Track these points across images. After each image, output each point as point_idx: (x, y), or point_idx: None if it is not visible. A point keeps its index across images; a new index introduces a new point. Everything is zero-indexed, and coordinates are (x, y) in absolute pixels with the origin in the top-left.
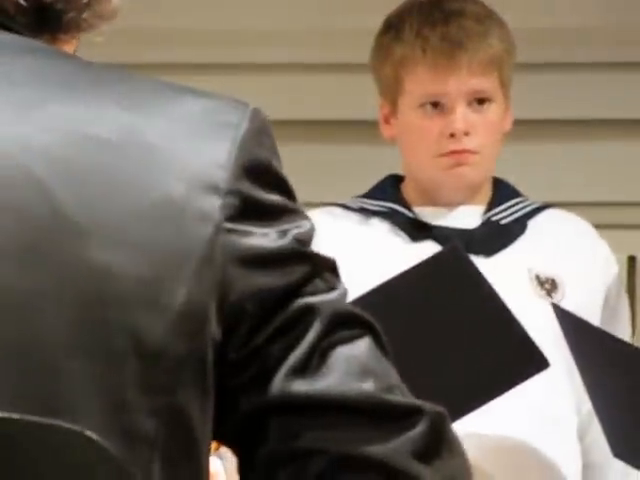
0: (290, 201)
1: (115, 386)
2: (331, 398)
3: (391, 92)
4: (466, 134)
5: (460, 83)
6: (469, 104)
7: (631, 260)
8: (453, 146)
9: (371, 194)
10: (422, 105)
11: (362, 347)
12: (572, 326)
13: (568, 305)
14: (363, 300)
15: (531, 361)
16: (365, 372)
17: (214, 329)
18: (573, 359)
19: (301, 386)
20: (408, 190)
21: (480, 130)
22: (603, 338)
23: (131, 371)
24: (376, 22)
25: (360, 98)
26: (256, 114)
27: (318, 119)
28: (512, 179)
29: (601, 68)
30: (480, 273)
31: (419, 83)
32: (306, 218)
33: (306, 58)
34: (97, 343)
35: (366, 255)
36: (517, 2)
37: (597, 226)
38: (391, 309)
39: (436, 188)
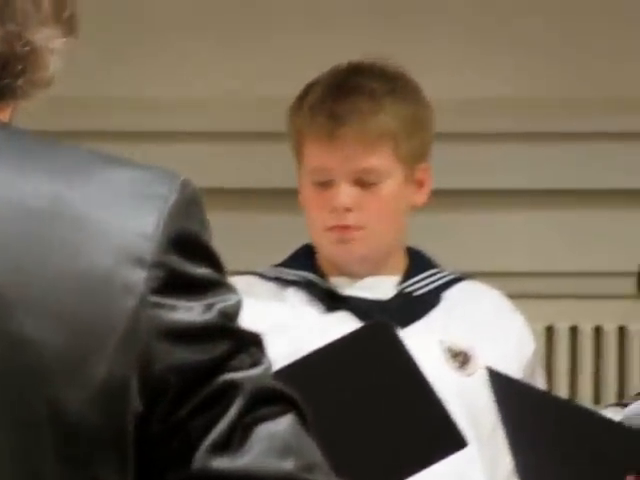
0: (218, 274)
1: (31, 456)
2: (250, 476)
3: (296, 162)
4: (348, 210)
5: (343, 160)
6: (356, 181)
7: (548, 330)
8: (335, 221)
9: (287, 263)
10: (312, 178)
11: (284, 424)
12: (505, 389)
13: (481, 377)
14: (286, 372)
15: (450, 440)
16: (286, 450)
17: (135, 402)
18: (502, 425)
19: (222, 463)
20: (322, 260)
21: (367, 206)
22: (542, 399)
23: (48, 442)
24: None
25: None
26: (186, 185)
27: (237, 187)
28: (431, 248)
29: (521, 138)
30: (407, 349)
31: (309, 157)
32: (233, 292)
33: (223, 126)
34: (15, 412)
35: (282, 326)
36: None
37: (514, 296)
38: (314, 381)
39: (334, 261)
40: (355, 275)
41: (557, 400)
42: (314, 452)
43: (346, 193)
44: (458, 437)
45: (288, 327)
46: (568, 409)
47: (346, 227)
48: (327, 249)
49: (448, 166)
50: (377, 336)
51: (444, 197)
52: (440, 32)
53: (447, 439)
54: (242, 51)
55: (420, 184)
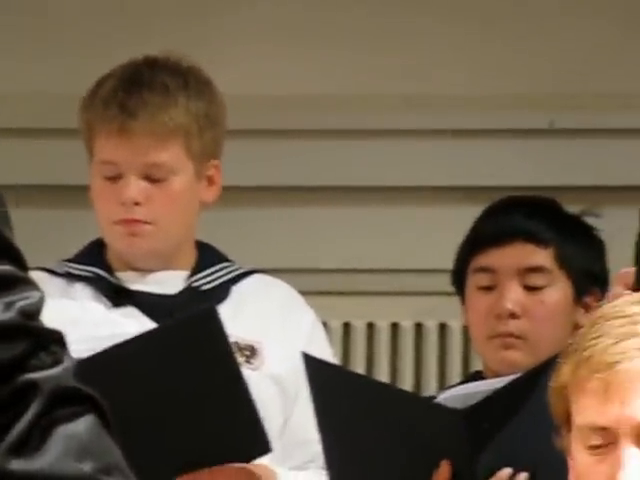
0: (18, 270)
1: None
2: (47, 478)
3: (88, 156)
4: (137, 204)
5: (133, 154)
6: (146, 175)
7: (346, 326)
8: (123, 215)
9: (76, 258)
10: (102, 171)
11: (83, 425)
12: (320, 373)
13: (267, 371)
14: (93, 361)
15: (255, 444)
16: (84, 452)
17: None
18: (315, 410)
19: (18, 465)
20: (111, 254)
21: (156, 201)
22: (358, 382)
23: None
24: None
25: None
26: None
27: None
28: (233, 243)
29: (319, 134)
30: (229, 343)
31: (99, 150)
32: (35, 288)
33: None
34: None
35: (72, 321)
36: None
37: (312, 293)
38: (123, 370)
39: (123, 255)
40: (144, 270)
41: (373, 383)
42: (113, 453)
43: (135, 187)
44: (264, 441)
45: (77, 323)
46: (384, 391)
47: (135, 221)
48: (116, 243)
49: (246, 162)
50: (202, 324)
51: (246, 193)
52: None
53: (253, 441)
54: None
55: (211, 181)
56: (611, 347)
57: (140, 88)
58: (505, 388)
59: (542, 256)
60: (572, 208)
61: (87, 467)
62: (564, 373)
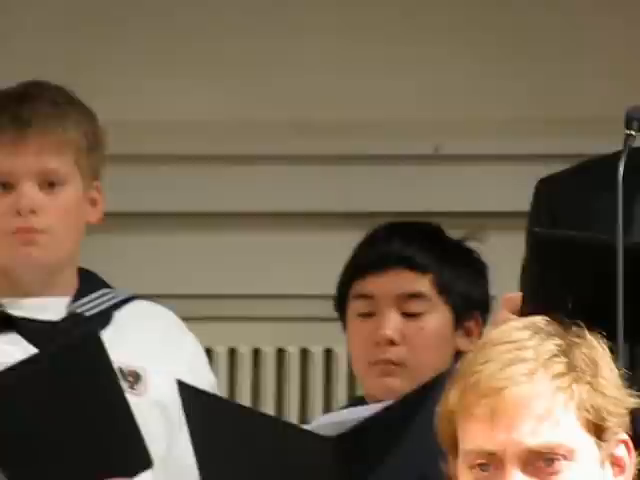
0: None
1: None
2: None
3: None
4: (32, 212)
5: (27, 162)
6: (40, 184)
7: (232, 352)
8: (19, 223)
9: None
10: None
11: None
12: (195, 401)
13: (151, 397)
14: None
15: (137, 459)
16: None
17: None
18: (191, 439)
19: None
20: None
21: (49, 210)
22: (232, 410)
23: None
24: None
25: None
26: None
27: None
28: (109, 270)
29: (184, 160)
30: (110, 362)
31: None
32: None
33: None
34: None
35: None
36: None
37: (196, 319)
38: (7, 397)
39: (10, 272)
40: (27, 291)
41: (246, 410)
42: None
43: (31, 194)
44: (145, 457)
45: None
46: (257, 419)
47: (31, 229)
48: (7, 254)
49: (118, 188)
50: (83, 348)
51: (117, 219)
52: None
53: (134, 457)
54: None
55: (94, 202)
56: (498, 372)
57: (32, 100)
58: (378, 415)
59: (420, 282)
60: (456, 233)
61: None
62: (451, 398)
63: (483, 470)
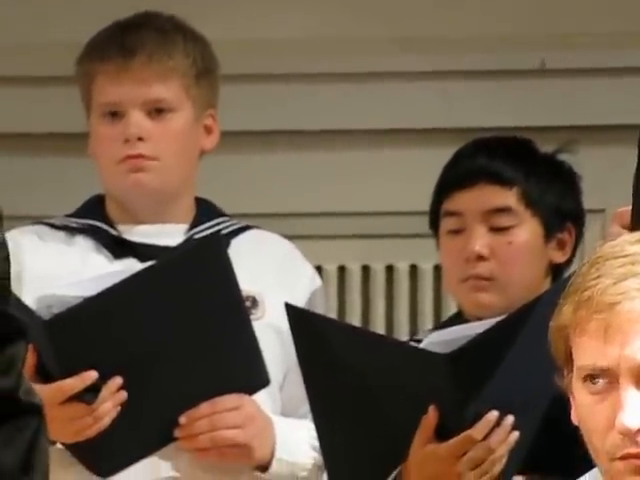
0: None
1: None
2: None
3: (86, 107)
4: (140, 139)
5: (132, 90)
6: (148, 113)
7: (341, 270)
8: (127, 151)
9: (76, 212)
10: (103, 115)
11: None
12: (304, 322)
13: (269, 322)
14: (103, 296)
15: (255, 375)
16: None
17: None
18: (299, 360)
19: None
20: (112, 208)
21: (158, 137)
22: (343, 331)
23: None
24: None
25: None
26: None
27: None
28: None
29: (297, 78)
30: (233, 269)
31: (99, 93)
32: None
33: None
34: None
35: (71, 272)
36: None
37: (304, 237)
38: (132, 302)
39: (124, 199)
40: (142, 219)
41: (358, 331)
42: None
43: (138, 122)
44: (263, 373)
45: (78, 274)
46: (369, 339)
47: (140, 156)
48: (120, 183)
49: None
50: (207, 250)
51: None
52: None
53: (253, 373)
54: None
55: (209, 130)
56: (611, 287)
57: (138, 29)
58: (489, 331)
59: (506, 196)
60: (550, 148)
61: None
62: (564, 313)
63: (597, 384)
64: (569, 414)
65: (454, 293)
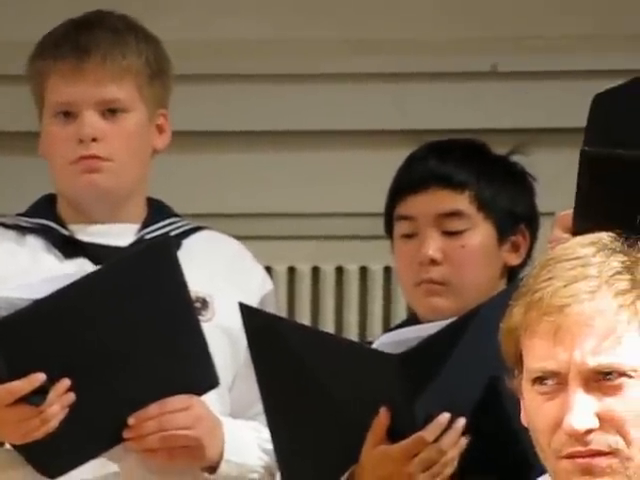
0: None
1: None
2: None
3: (38, 106)
4: (94, 140)
5: (87, 91)
6: (102, 113)
7: (291, 271)
8: (81, 152)
9: (27, 212)
10: (56, 115)
11: None
12: (258, 322)
13: (219, 323)
14: (51, 299)
15: (205, 376)
16: None
17: None
18: (253, 360)
19: None
20: (63, 207)
21: (112, 138)
22: (297, 330)
23: None
24: None
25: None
26: None
27: None
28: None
29: (260, 79)
30: (182, 272)
31: (52, 92)
32: None
33: None
34: None
35: (22, 272)
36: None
37: (255, 237)
38: (80, 306)
39: (76, 200)
40: (94, 219)
41: (310, 331)
42: None
43: (92, 122)
44: (212, 374)
45: (28, 273)
46: (322, 339)
47: (93, 157)
48: (73, 184)
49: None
50: (157, 254)
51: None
52: None
53: (202, 374)
54: None
55: (160, 129)
56: (561, 290)
57: (91, 28)
58: (440, 333)
59: (458, 200)
60: (503, 151)
61: None
62: (515, 315)
63: (546, 384)
64: (506, 416)
65: (408, 297)
